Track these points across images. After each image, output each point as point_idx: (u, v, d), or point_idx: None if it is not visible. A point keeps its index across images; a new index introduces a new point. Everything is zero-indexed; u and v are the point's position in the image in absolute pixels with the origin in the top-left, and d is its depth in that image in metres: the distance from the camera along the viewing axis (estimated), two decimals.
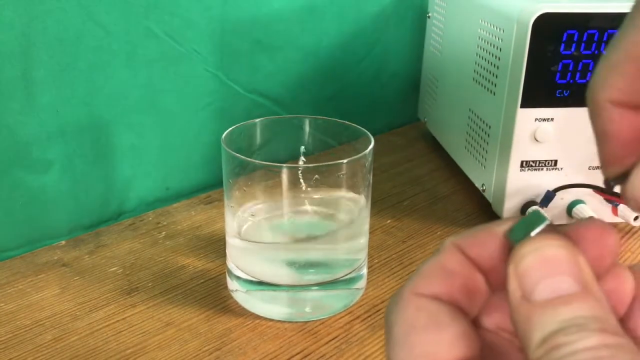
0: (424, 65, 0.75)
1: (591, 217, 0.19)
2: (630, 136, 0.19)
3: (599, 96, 0.19)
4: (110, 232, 0.54)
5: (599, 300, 0.16)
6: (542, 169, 0.50)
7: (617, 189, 0.19)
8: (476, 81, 0.56)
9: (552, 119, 0.49)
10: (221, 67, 0.61)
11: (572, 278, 0.16)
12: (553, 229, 0.18)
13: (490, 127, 0.53)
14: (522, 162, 0.50)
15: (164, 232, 0.54)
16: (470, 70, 0.58)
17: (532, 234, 0.18)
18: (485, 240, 0.19)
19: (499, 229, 0.19)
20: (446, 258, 0.19)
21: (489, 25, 0.53)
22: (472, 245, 0.19)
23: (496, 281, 0.19)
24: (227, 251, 0.45)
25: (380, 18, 0.74)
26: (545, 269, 0.17)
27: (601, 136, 0.20)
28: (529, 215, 0.18)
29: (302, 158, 0.47)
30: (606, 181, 0.20)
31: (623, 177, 0.19)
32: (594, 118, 0.20)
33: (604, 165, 0.20)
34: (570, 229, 0.18)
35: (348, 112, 0.74)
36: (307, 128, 0.47)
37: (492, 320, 0.20)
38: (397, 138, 0.76)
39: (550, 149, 0.50)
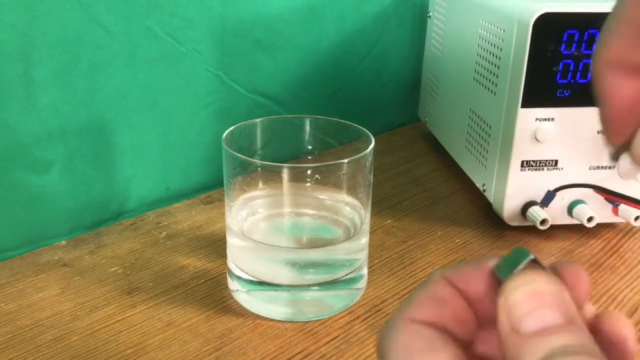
0: (424, 65, 0.75)
1: (568, 261, 0.20)
2: (629, 100, 0.20)
3: (598, 57, 0.20)
4: (110, 232, 0.54)
5: (583, 330, 0.17)
6: (543, 169, 0.50)
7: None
8: (477, 81, 0.56)
9: (552, 119, 0.49)
10: (222, 66, 0.61)
11: (558, 311, 0.17)
12: (538, 264, 0.19)
13: (490, 127, 0.53)
14: (522, 162, 0.50)
15: (164, 232, 0.54)
16: (470, 70, 0.58)
17: (518, 269, 0.19)
18: (473, 276, 0.20)
19: (486, 265, 0.20)
20: (437, 288, 0.21)
21: (489, 25, 0.53)
22: (460, 279, 0.21)
23: (483, 314, 0.20)
24: (227, 251, 0.45)
25: (381, 18, 0.74)
26: (532, 303, 0.18)
27: (602, 99, 0.21)
28: (513, 252, 0.19)
29: (303, 158, 0.47)
30: (611, 153, 0.21)
31: (627, 146, 0.20)
32: (596, 81, 0.21)
33: (606, 132, 0.21)
34: (552, 268, 0.20)
35: (348, 112, 0.74)
36: (307, 128, 0.47)
37: (483, 350, 0.21)
38: (398, 138, 0.76)
39: (551, 149, 0.50)
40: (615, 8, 0.20)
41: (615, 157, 0.21)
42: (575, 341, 0.17)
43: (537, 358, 0.16)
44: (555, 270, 0.19)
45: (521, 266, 0.19)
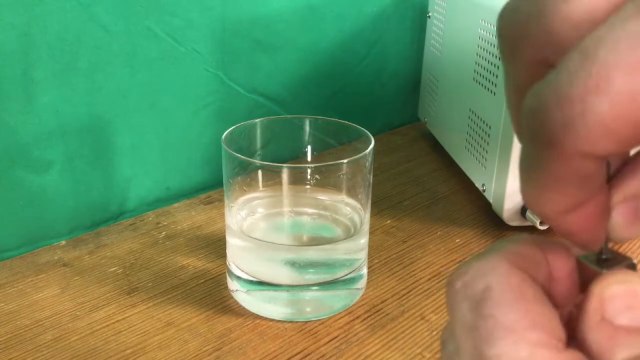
0: (424, 65, 0.75)
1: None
2: (594, 222, 0.18)
3: (542, 216, 0.18)
4: (110, 232, 0.54)
5: None
6: None
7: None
8: (476, 81, 0.56)
9: None
10: (221, 67, 0.61)
11: None
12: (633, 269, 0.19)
13: (490, 127, 0.53)
14: None
15: (164, 232, 0.54)
16: (470, 70, 0.58)
17: (620, 265, 0.19)
18: (562, 254, 0.20)
19: (573, 250, 0.20)
20: (531, 249, 0.19)
21: (489, 25, 0.53)
22: (549, 251, 0.20)
23: (555, 293, 0.20)
24: (227, 251, 0.45)
25: (381, 18, 0.74)
26: (631, 300, 0.18)
27: (566, 236, 0.19)
28: (604, 250, 0.19)
29: (302, 158, 0.47)
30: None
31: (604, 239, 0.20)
32: (553, 226, 0.19)
33: (581, 245, 0.19)
34: None
35: (348, 112, 0.74)
36: (307, 128, 0.47)
37: None
38: (397, 138, 0.76)
39: None
40: (531, 158, 0.17)
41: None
42: None
43: (634, 353, 0.16)
44: None
45: (622, 264, 0.19)
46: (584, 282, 0.20)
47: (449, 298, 0.19)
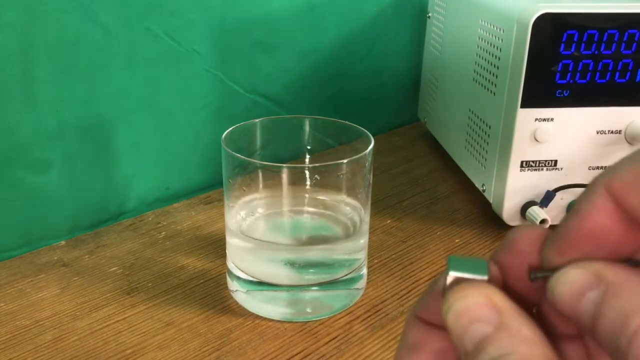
0: (424, 65, 0.75)
1: (515, 230, 0.19)
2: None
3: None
4: (110, 232, 0.54)
5: (516, 331, 0.17)
6: (542, 169, 0.50)
7: None
8: (476, 81, 0.56)
9: (552, 119, 0.49)
10: (221, 67, 0.61)
11: (483, 323, 0.17)
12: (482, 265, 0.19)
13: (490, 127, 0.53)
14: (522, 162, 0.50)
15: (163, 232, 0.54)
16: (470, 70, 0.58)
17: (447, 292, 0.18)
18: (433, 303, 0.20)
19: (438, 287, 0.20)
20: (409, 333, 0.21)
21: (489, 25, 0.53)
22: (425, 312, 0.20)
23: None
24: (227, 251, 0.45)
25: (380, 18, 0.74)
26: (460, 323, 0.17)
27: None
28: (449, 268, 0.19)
29: (302, 158, 0.47)
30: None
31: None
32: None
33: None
34: (495, 256, 0.19)
35: (348, 112, 0.74)
36: (307, 128, 0.47)
37: None
38: (397, 138, 0.76)
39: (550, 149, 0.50)
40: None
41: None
42: (507, 347, 0.16)
43: None
44: (499, 259, 0.19)
45: (447, 285, 0.18)
46: None
47: None
